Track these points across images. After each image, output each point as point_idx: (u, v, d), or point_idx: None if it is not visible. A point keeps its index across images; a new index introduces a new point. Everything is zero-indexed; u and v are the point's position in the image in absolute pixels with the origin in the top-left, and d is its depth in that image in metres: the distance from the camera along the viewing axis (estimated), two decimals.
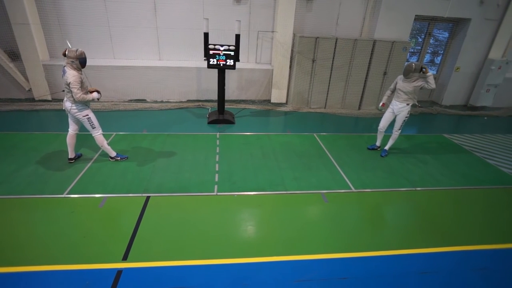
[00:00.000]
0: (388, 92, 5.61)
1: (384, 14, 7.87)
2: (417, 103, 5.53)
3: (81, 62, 4.32)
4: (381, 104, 5.72)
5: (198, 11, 7.60)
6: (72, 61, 4.26)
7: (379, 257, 3.49)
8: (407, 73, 5.10)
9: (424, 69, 5.07)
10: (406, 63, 5.38)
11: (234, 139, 6.18)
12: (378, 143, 6.00)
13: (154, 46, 7.90)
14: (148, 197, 4.24)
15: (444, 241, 3.81)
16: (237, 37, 6.26)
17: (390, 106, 5.58)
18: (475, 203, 4.64)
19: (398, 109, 5.41)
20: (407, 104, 5.32)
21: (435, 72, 9.42)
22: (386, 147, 5.79)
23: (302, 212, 4.19)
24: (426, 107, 8.88)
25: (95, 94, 4.54)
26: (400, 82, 5.29)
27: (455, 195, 4.82)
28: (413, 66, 5.05)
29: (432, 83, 5.07)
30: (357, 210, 4.32)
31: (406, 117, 5.41)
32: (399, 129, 5.52)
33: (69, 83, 4.24)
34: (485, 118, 8.58)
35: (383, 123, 5.70)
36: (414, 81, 5.14)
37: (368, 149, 6.04)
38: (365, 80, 8.09)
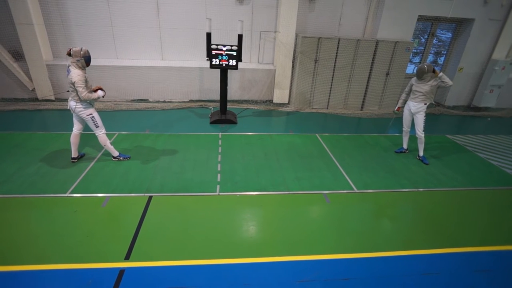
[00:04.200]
0: (404, 96, 5.64)
1: (387, 14, 7.85)
2: (434, 102, 5.53)
3: (86, 60, 4.37)
4: (396, 108, 5.80)
5: (200, 11, 7.61)
6: (78, 60, 4.29)
7: (381, 258, 3.49)
8: (421, 75, 5.16)
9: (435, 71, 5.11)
10: (417, 66, 5.38)
11: (236, 139, 6.18)
12: (405, 146, 5.93)
13: (156, 46, 7.92)
14: (150, 197, 4.25)
15: (446, 242, 3.80)
16: (240, 37, 6.27)
17: (406, 106, 5.60)
18: (477, 204, 4.62)
19: (416, 108, 5.41)
20: (425, 104, 5.34)
21: None
22: (421, 154, 5.68)
23: (304, 213, 4.18)
24: (429, 107, 8.84)
25: (100, 92, 4.57)
26: (415, 84, 5.32)
27: (458, 196, 4.80)
28: (425, 68, 5.09)
29: (447, 81, 5.11)
30: (359, 210, 4.31)
31: (425, 116, 5.43)
32: (423, 130, 5.48)
33: (74, 82, 4.27)
34: (489, 118, 8.53)
35: (406, 123, 5.71)
36: (429, 80, 5.18)
37: (396, 152, 5.94)
38: (368, 81, 8.07)
